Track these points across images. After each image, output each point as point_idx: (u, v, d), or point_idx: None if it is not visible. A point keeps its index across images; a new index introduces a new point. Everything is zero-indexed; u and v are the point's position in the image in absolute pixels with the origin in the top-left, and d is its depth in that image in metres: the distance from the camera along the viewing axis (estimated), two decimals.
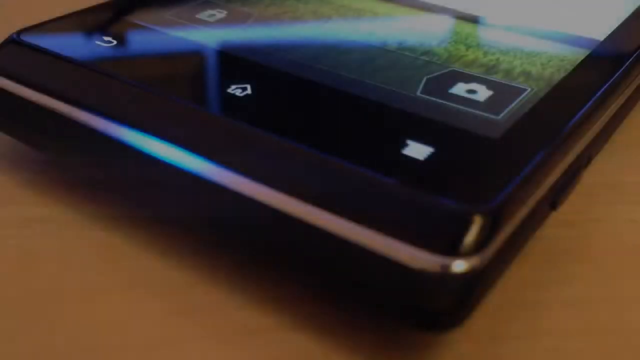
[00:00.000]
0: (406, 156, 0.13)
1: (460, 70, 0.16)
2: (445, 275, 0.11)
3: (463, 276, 0.11)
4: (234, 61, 0.16)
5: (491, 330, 0.12)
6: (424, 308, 0.11)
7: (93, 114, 0.15)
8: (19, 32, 0.17)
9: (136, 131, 0.14)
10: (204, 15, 0.19)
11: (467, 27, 0.19)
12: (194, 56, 0.17)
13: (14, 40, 0.17)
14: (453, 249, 0.11)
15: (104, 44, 0.17)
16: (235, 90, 0.15)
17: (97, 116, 0.15)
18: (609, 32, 0.18)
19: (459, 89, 0.15)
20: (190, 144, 0.14)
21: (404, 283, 0.11)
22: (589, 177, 0.15)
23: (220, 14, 0.19)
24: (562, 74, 0.16)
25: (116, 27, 0.18)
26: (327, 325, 0.12)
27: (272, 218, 0.12)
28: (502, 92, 0.15)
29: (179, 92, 0.15)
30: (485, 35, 0.18)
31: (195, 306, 0.13)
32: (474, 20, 0.19)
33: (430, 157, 0.13)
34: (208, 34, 0.18)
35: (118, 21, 0.18)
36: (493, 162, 0.12)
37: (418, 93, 0.15)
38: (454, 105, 0.15)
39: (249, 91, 0.15)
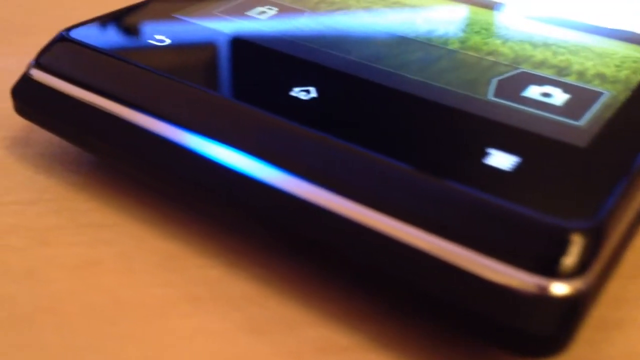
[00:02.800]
0: (490, 166, 0.12)
1: (531, 72, 0.15)
2: (544, 298, 0.10)
3: (565, 299, 0.10)
4: (294, 63, 0.16)
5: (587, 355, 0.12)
6: (519, 332, 0.10)
7: (148, 115, 0.14)
8: (68, 30, 0.16)
9: (196, 135, 0.14)
10: (254, 12, 0.18)
11: (530, 25, 0.18)
12: (251, 57, 0.16)
13: (64, 38, 0.16)
14: (553, 270, 0.10)
15: (156, 42, 0.16)
16: (299, 93, 0.14)
17: (151, 118, 0.14)
18: None
19: (533, 92, 0.15)
20: (257, 150, 0.13)
21: (499, 304, 0.10)
22: None
23: (270, 10, 0.18)
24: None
25: (166, 25, 0.17)
26: (408, 345, 0.12)
27: (353, 232, 0.12)
28: (579, 96, 0.14)
29: (240, 95, 0.14)
30: (551, 34, 0.17)
31: (266, 322, 0.12)
32: (536, 18, 0.18)
33: (517, 168, 0.12)
34: (263, 33, 0.17)
35: (167, 18, 0.17)
36: (586, 173, 0.12)
37: (490, 96, 0.14)
38: (531, 109, 0.14)
39: (313, 94, 0.14)
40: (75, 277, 0.13)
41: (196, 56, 0.16)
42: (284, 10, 0.18)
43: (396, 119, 0.14)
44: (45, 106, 0.16)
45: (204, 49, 0.16)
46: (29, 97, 0.16)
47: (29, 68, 0.16)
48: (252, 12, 0.18)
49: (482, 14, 0.19)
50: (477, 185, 0.11)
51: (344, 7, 0.19)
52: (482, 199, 0.11)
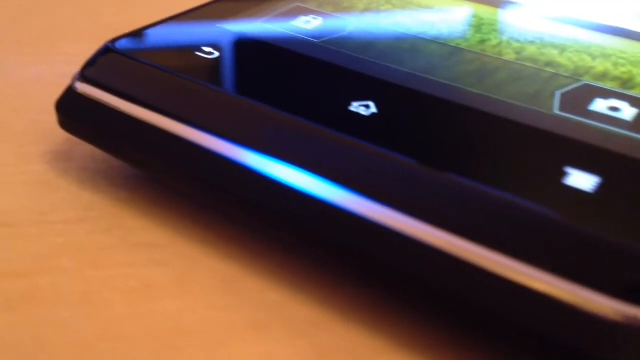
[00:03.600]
0: (570, 187, 0.11)
1: (594, 84, 0.15)
2: (632, 327, 0.10)
3: None
4: (349, 75, 0.15)
5: None
6: None
7: (200, 130, 0.14)
8: (114, 41, 0.16)
9: (253, 151, 0.13)
10: (299, 21, 0.18)
11: (585, 35, 0.17)
12: (304, 70, 0.16)
13: (109, 50, 0.16)
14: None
15: (204, 54, 0.16)
16: (359, 108, 0.14)
17: (204, 133, 0.14)
18: None
19: (599, 106, 0.14)
20: (320, 168, 0.13)
21: (586, 333, 0.10)
22: None
23: (315, 20, 0.18)
24: None
25: (212, 36, 0.17)
26: None
27: (426, 256, 0.11)
28: None
29: (296, 110, 0.14)
30: (608, 44, 0.17)
31: (334, 349, 0.12)
32: (590, 27, 0.18)
33: (599, 189, 0.11)
34: (313, 44, 0.16)
35: (212, 29, 0.17)
36: None
37: (555, 111, 0.14)
38: (601, 125, 0.13)
39: (373, 109, 0.14)
40: (132, 300, 0.13)
41: (246, 69, 0.16)
42: (328, 19, 0.18)
43: (463, 135, 0.13)
44: (91, 120, 0.15)
45: (254, 62, 0.16)
46: (73, 111, 0.15)
47: (73, 81, 0.16)
48: (297, 22, 0.18)
49: (530, 22, 0.18)
50: (560, 209, 0.11)
51: (388, 17, 0.18)
52: (567, 223, 0.11)
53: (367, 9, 0.19)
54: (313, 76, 0.15)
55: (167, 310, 0.13)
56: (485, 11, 0.19)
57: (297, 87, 0.15)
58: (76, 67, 0.21)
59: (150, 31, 0.17)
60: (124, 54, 0.16)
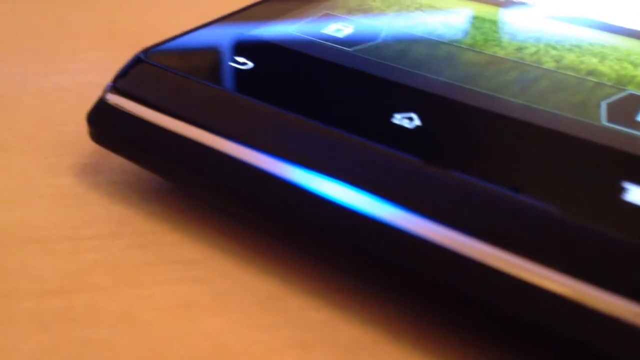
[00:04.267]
0: (632, 204, 0.11)
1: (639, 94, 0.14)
2: None
3: None
4: (387, 86, 0.15)
5: None
6: None
7: (236, 143, 0.14)
8: (146, 51, 0.16)
9: (292, 165, 0.13)
10: (330, 30, 0.17)
11: (624, 42, 0.17)
12: (339, 80, 0.15)
13: (141, 60, 0.15)
14: None
15: (238, 65, 0.15)
16: (402, 120, 0.13)
17: (241, 145, 0.14)
18: None
19: None
20: (364, 183, 0.12)
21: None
22: None
23: (346, 28, 0.18)
24: None
25: (244, 45, 0.16)
26: None
27: (477, 273, 0.11)
28: None
29: (335, 122, 0.14)
30: None
31: None
32: (628, 34, 0.17)
33: None
34: (344, 52, 0.16)
35: (244, 38, 0.17)
36: None
37: (603, 122, 0.13)
38: None
39: (417, 122, 0.13)
40: (172, 319, 0.12)
41: (282, 80, 0.15)
42: (358, 26, 0.18)
43: (513, 149, 0.13)
44: (123, 133, 0.15)
45: (289, 72, 0.15)
46: (105, 123, 0.15)
47: (104, 93, 0.15)
48: (328, 30, 0.17)
49: (565, 29, 0.18)
50: (620, 227, 0.10)
51: (419, 24, 0.18)
52: (627, 240, 0.10)
53: (396, 15, 0.18)
54: (350, 87, 0.15)
55: (208, 329, 0.12)
56: (515, 17, 0.19)
57: (334, 98, 0.14)
58: (96, 75, 0.21)
59: (181, 40, 0.16)
60: (156, 64, 0.15)
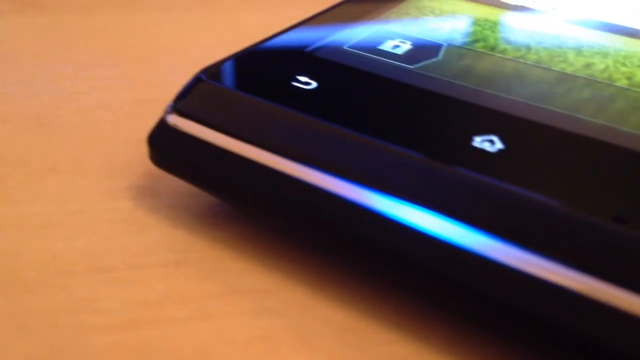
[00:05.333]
0: None
1: None
2: None
3: None
4: (460, 106, 0.14)
5: None
6: None
7: (307, 167, 0.13)
8: (205, 71, 0.15)
9: (367, 189, 0.13)
10: (387, 46, 0.17)
11: None
12: (407, 100, 0.15)
13: (201, 80, 0.15)
14: None
15: (300, 84, 0.15)
16: (482, 144, 0.13)
17: (313, 170, 0.13)
18: None
19: None
20: (448, 209, 0.12)
21: None
22: None
23: (404, 44, 0.17)
24: None
25: (304, 64, 0.16)
26: None
27: (574, 304, 0.10)
28: None
29: (411, 145, 0.13)
30: None
31: None
32: None
33: None
34: (407, 71, 0.16)
35: (303, 56, 0.16)
36: None
37: None
38: None
39: (499, 145, 0.13)
40: (251, 355, 0.12)
41: (349, 101, 0.15)
42: (416, 42, 0.17)
43: (602, 172, 0.12)
44: (186, 156, 0.14)
45: (355, 93, 0.15)
46: (167, 145, 0.14)
47: (165, 114, 0.15)
48: (386, 47, 0.17)
49: (630, 43, 0.17)
50: None
51: (480, 38, 0.18)
52: None
53: (454, 31, 0.18)
54: (421, 108, 0.14)
55: None
56: (575, 31, 0.18)
57: (406, 119, 0.14)
58: (138, 91, 0.20)
59: (240, 58, 0.16)
60: (217, 84, 0.15)
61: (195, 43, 0.23)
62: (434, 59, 0.16)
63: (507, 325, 0.11)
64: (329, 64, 0.16)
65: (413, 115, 0.14)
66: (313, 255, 0.14)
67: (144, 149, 0.17)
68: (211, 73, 0.15)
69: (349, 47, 0.17)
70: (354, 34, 0.17)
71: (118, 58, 0.22)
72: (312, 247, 0.14)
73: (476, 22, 0.19)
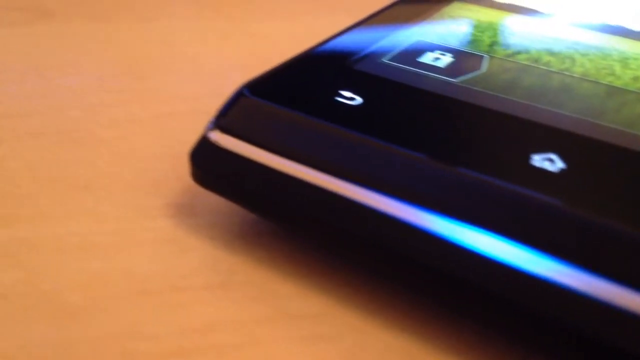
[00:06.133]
0: None
1: None
2: None
3: None
4: (510, 122, 0.14)
5: None
6: None
7: (358, 186, 0.13)
8: (248, 85, 0.15)
9: (423, 210, 0.12)
10: (427, 59, 0.17)
11: None
12: (458, 116, 0.14)
13: (243, 95, 0.14)
14: None
15: (345, 100, 0.14)
16: (543, 162, 0.12)
17: (363, 189, 0.13)
18: None
19: None
20: (513, 233, 0.11)
21: None
22: None
23: (444, 57, 0.17)
24: None
25: (347, 78, 0.15)
26: None
27: None
28: None
29: (467, 163, 0.13)
30: None
31: None
32: None
33: None
34: (451, 85, 0.15)
35: (344, 70, 0.16)
36: None
37: None
38: None
39: (560, 164, 0.12)
40: None
41: (397, 117, 0.14)
42: (457, 55, 0.17)
43: None
44: (230, 174, 0.14)
45: (402, 109, 0.14)
46: (210, 163, 0.14)
47: (207, 130, 0.14)
48: (426, 59, 0.17)
49: None
50: None
51: (521, 49, 0.17)
52: None
53: (493, 41, 0.18)
54: (472, 124, 0.14)
55: None
56: (616, 41, 0.18)
57: (457, 136, 0.14)
58: (166, 103, 0.20)
59: (282, 71, 0.15)
60: (259, 100, 0.14)
61: (216, 53, 0.23)
62: (478, 72, 0.16)
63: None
64: (371, 78, 0.15)
65: (464, 131, 0.14)
66: (364, 276, 0.13)
67: (178, 165, 0.16)
68: (253, 88, 0.15)
69: (389, 60, 0.16)
70: (392, 45, 0.17)
71: (140, 68, 0.22)
72: (362, 268, 0.13)
73: (515, 32, 0.18)
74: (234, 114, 0.14)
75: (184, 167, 0.16)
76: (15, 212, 0.15)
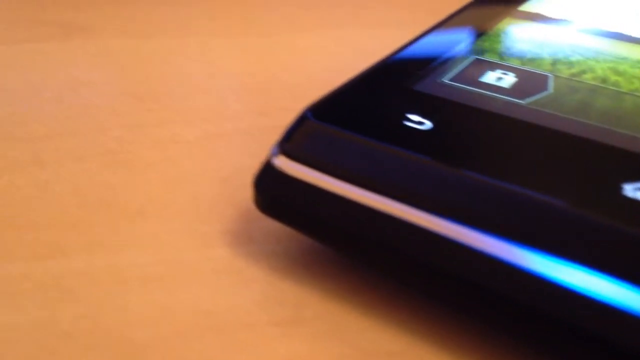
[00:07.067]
0: None
1: None
2: None
3: None
4: (593, 147, 0.13)
5: None
6: None
7: (436, 217, 0.12)
8: (312, 109, 0.14)
9: (511, 243, 0.12)
10: (490, 79, 0.16)
11: None
12: (535, 140, 0.14)
13: (308, 119, 0.14)
14: None
15: (414, 124, 0.14)
16: (635, 193, 0.12)
17: (442, 220, 0.12)
18: None
19: None
20: (612, 270, 0.11)
21: None
22: None
23: (507, 76, 0.16)
24: None
25: (411, 101, 0.15)
26: None
27: None
28: None
29: (546, 190, 0.12)
30: None
31: None
32: None
33: None
34: (524, 108, 0.15)
35: (410, 91, 0.15)
36: None
37: None
38: None
39: None
40: None
41: (471, 142, 0.14)
42: (520, 74, 0.16)
43: None
44: (297, 203, 0.13)
45: (476, 133, 0.14)
46: (275, 191, 0.13)
47: (271, 157, 0.14)
48: (489, 79, 0.16)
49: None
50: None
51: (585, 68, 0.16)
52: None
53: (555, 61, 0.17)
54: (551, 149, 0.13)
55: None
56: None
57: (537, 162, 0.13)
58: (210, 123, 0.19)
59: (344, 93, 0.15)
60: (325, 124, 0.14)
61: (254, 69, 0.22)
62: (545, 93, 0.15)
63: None
64: (435, 100, 0.15)
65: (544, 158, 0.13)
66: (442, 311, 0.13)
67: (228, 188, 0.16)
68: (317, 112, 0.14)
69: (450, 80, 0.16)
70: (449, 64, 0.16)
71: (179, 86, 0.21)
72: (438, 302, 0.13)
73: (575, 50, 0.18)
74: (299, 139, 0.14)
75: (234, 190, 0.16)
76: (68, 241, 0.14)
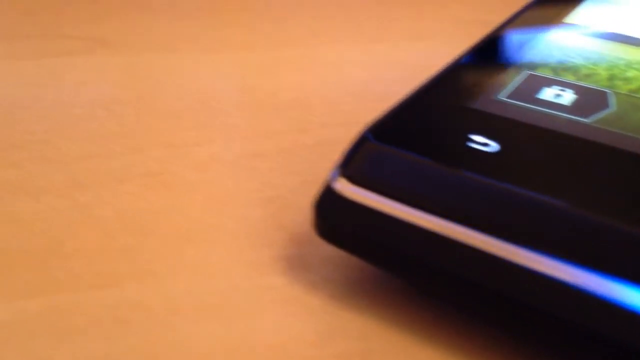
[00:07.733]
0: None
1: None
2: None
3: None
4: None
5: None
6: None
7: (507, 243, 0.12)
8: (371, 130, 0.13)
9: (590, 272, 0.11)
10: (548, 95, 0.15)
11: None
12: (607, 162, 0.13)
13: (368, 141, 0.13)
14: None
15: (480, 146, 0.13)
16: None
17: (514, 247, 0.11)
18: None
19: None
20: None
21: None
22: None
23: (565, 93, 0.15)
24: None
25: (471, 120, 0.14)
26: None
27: None
28: None
29: (624, 216, 0.11)
30: None
31: None
32: None
33: None
34: (589, 127, 0.14)
35: (471, 112, 0.15)
36: None
37: None
38: None
39: None
40: None
41: (540, 164, 0.13)
42: (578, 90, 0.15)
43: None
44: (364, 229, 0.13)
45: (545, 154, 0.13)
46: (339, 217, 0.13)
47: (332, 180, 0.13)
48: (545, 96, 0.15)
49: None
50: None
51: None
52: None
53: (612, 76, 0.16)
54: (625, 172, 0.13)
55: None
56: None
57: (611, 185, 0.12)
58: (248, 142, 0.19)
59: (401, 113, 0.14)
60: (386, 146, 0.13)
61: (289, 83, 0.22)
62: (608, 110, 0.15)
63: None
64: (496, 119, 0.14)
65: (623, 182, 0.12)
66: (520, 343, 0.12)
67: (274, 211, 0.15)
68: (377, 133, 0.13)
69: (506, 97, 0.15)
70: (503, 80, 0.16)
71: (213, 103, 0.21)
72: (513, 334, 0.12)
73: (630, 64, 0.17)
74: (360, 162, 0.13)
75: (281, 212, 0.15)
76: (118, 269, 0.14)
